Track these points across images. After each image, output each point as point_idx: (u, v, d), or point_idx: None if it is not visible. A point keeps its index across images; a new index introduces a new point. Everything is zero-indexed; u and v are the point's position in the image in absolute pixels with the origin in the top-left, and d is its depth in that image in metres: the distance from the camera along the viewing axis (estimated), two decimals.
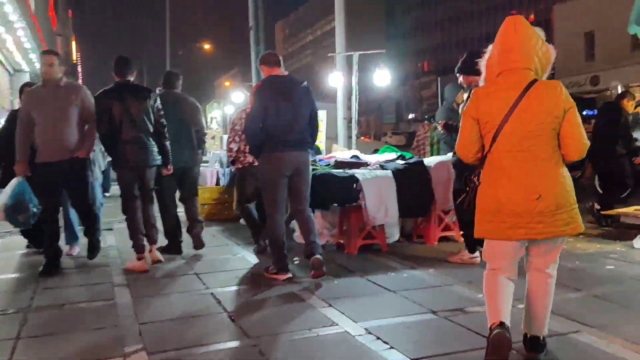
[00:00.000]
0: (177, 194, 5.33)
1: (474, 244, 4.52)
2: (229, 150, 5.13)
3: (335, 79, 9.69)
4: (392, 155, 5.88)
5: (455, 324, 3.12)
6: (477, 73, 2.76)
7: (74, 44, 61.82)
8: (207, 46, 54.52)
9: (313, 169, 5.09)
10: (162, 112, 4.64)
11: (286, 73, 4.21)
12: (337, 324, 3.14)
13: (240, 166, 5.11)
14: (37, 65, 18.32)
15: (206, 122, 24.12)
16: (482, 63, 2.67)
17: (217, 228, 6.71)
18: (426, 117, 9.93)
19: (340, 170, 5.22)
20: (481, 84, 2.72)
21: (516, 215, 2.42)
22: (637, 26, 5.38)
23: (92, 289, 4.12)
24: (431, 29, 59.13)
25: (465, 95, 5.19)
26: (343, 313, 3.32)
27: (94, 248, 4.86)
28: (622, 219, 5.78)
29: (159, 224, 5.01)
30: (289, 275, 4.13)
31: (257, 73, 14.75)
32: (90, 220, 4.83)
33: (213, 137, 15.88)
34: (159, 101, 4.65)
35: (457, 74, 4.56)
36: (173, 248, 5.10)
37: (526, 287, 2.62)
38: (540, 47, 2.53)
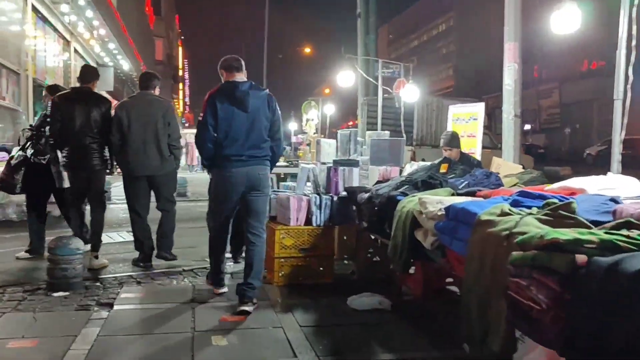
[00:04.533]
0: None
1: None
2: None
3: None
4: None
5: None
6: None
7: (180, 49, 63.16)
8: (307, 50, 52.90)
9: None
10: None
11: (245, 80, 3.76)
12: None
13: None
14: (120, 58, 16.78)
15: (301, 125, 21.28)
16: None
17: (303, 309, 3.74)
18: None
19: None
20: None
21: None
22: None
23: None
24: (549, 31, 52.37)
25: None
26: None
27: None
28: None
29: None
30: (225, 290, 4.03)
31: (363, 72, 11.96)
32: None
33: (309, 144, 12.60)
34: (111, 111, 4.70)
35: None
36: (143, 260, 4.91)
37: None
38: None
